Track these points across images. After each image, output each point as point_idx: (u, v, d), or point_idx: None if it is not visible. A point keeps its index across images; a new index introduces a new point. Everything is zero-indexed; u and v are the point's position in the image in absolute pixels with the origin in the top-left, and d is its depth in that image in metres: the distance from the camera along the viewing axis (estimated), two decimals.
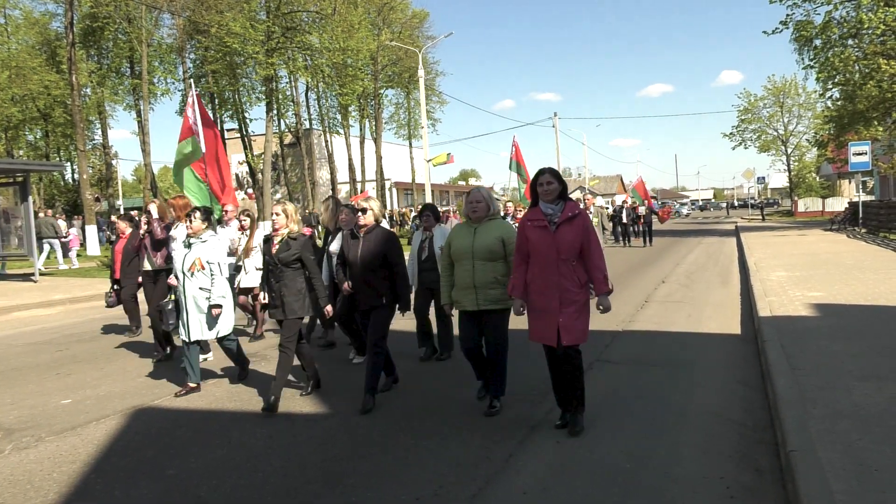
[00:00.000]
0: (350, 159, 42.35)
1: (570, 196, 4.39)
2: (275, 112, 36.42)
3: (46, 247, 18.47)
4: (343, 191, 46.72)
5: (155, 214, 7.11)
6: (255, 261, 7.51)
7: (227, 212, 8.48)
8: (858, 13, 23.42)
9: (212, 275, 5.60)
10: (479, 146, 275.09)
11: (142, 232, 7.34)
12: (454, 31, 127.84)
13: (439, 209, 9.14)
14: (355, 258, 5.11)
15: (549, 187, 4.23)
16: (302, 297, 5.18)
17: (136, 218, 8.18)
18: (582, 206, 12.54)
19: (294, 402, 5.30)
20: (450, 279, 4.89)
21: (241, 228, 7.80)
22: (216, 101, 38.44)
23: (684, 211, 67.38)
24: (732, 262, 15.71)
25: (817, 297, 8.72)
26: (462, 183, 74.57)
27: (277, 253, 5.13)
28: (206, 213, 5.84)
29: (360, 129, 44.46)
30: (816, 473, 3.27)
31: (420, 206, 7.66)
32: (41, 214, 19.73)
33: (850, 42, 24.65)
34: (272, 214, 5.28)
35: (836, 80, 25.75)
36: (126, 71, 36.72)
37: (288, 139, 43.65)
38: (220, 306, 5.61)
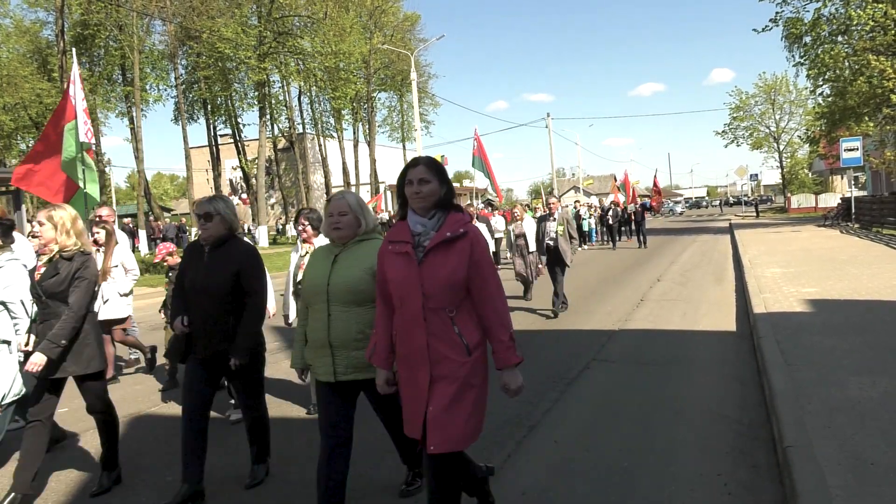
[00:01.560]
0: (344, 163, 42.32)
1: (459, 202, 2.83)
2: (268, 117, 36.42)
3: None
4: None
5: None
6: (117, 285, 6.19)
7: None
8: (847, 10, 23.61)
9: None
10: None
11: None
12: (445, 33, 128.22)
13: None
14: (193, 283, 3.61)
15: (421, 188, 2.61)
16: (81, 346, 3.69)
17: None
18: (522, 214, 10.60)
19: (291, 408, 5.29)
20: (304, 331, 3.21)
21: (96, 243, 6.08)
22: (209, 106, 38.42)
23: (678, 209, 67.38)
24: (727, 260, 15.76)
25: (811, 293, 8.76)
26: (457, 185, 74.51)
27: (41, 280, 3.68)
28: (4, 228, 4.25)
29: (354, 133, 44.48)
30: (813, 469, 3.29)
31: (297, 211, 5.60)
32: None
33: (839, 39, 24.83)
34: (36, 223, 3.80)
35: (826, 77, 25.93)
36: (118, 78, 36.63)
37: (281, 144, 43.60)
38: None
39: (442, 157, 31.14)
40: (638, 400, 5.03)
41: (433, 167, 2.68)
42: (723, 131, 49.35)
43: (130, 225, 31.24)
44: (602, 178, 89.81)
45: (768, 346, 5.90)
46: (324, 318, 3.05)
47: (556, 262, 8.99)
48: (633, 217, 22.80)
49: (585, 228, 23.14)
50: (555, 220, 8.99)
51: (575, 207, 24.01)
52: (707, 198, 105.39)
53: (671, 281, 12.24)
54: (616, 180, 43.06)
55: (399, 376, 2.72)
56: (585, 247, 21.67)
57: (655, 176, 23.33)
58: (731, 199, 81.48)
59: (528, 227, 10.48)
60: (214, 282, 3.55)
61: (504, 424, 4.54)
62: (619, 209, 23.52)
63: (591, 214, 24.44)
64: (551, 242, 8.93)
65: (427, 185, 2.63)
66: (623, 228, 24.09)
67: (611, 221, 22.90)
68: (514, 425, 4.51)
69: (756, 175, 55.97)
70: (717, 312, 8.71)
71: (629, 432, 4.31)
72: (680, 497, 3.37)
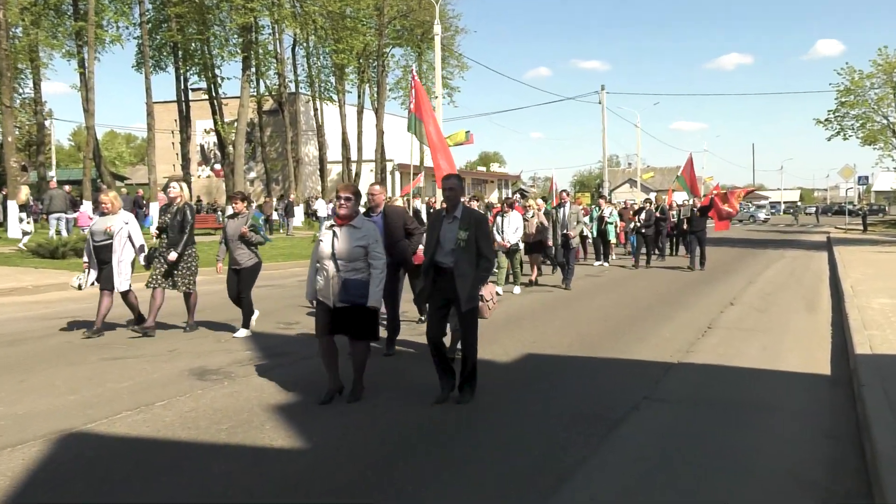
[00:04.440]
0: (344, 133, 42.51)
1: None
2: (253, 70, 36.72)
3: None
4: (333, 172, 46.88)
5: None
6: None
7: None
8: None
9: None
10: (506, 123, 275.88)
11: None
12: None
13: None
14: None
15: None
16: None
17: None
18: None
19: (262, 433, 5.32)
20: None
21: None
22: (180, 53, 38.76)
23: (761, 216, 67.10)
24: (822, 283, 15.66)
25: None
26: (482, 168, 74.55)
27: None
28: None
29: (359, 97, 44.76)
30: None
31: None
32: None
33: None
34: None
35: None
36: (68, 9, 36.95)
37: (268, 105, 43.96)
38: None
39: (467, 133, 31.05)
40: (698, 452, 5.00)
41: None
42: (826, 119, 48.83)
43: (71, 194, 31.56)
44: (666, 171, 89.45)
45: (873, 397, 5.83)
46: None
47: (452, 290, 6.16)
48: (686, 223, 19.56)
49: (611, 237, 20.69)
50: (456, 218, 6.22)
51: (598, 206, 21.83)
52: (800, 203, 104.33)
53: (748, 305, 12.18)
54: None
55: None
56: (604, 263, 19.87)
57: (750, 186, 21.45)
58: (836, 206, 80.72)
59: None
60: None
61: (526, 472, 4.54)
62: (652, 210, 19.91)
63: (622, 217, 21.95)
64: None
65: None
66: (673, 239, 22.45)
67: (641, 226, 19.58)
68: (538, 474, 4.50)
69: (866, 178, 55.42)
70: (805, 349, 8.66)
71: (685, 490, 4.30)
72: None
